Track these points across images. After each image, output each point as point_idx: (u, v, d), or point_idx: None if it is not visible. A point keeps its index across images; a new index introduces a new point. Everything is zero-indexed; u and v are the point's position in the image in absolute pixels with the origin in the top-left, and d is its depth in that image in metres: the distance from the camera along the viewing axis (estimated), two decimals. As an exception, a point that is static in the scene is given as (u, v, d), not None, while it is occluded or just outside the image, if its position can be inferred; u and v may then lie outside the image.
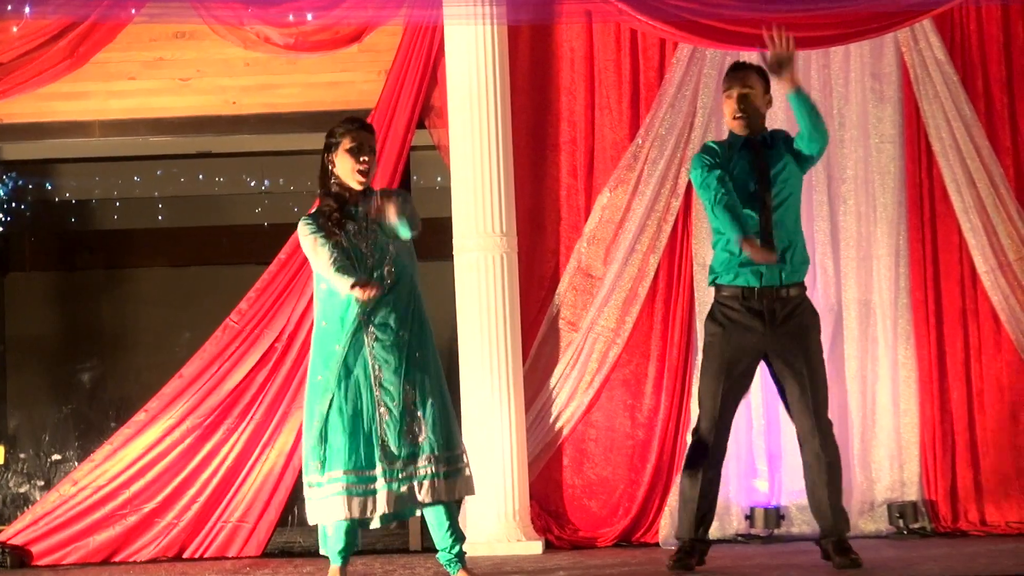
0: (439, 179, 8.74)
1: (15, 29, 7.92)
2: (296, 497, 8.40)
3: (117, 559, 7.80)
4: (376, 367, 6.19)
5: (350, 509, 6.09)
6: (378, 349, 6.19)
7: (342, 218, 6.25)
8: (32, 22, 7.88)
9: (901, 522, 7.71)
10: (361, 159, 6.26)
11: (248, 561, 7.68)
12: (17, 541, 7.80)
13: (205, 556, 7.81)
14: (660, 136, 7.88)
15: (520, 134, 7.96)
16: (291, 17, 7.87)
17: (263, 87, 8.17)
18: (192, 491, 7.83)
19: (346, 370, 6.18)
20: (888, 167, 7.93)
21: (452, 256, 7.79)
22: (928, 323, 7.85)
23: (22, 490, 9.48)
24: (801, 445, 6.65)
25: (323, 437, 6.15)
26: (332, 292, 6.20)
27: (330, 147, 6.32)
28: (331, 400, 6.15)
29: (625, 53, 8.01)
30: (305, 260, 7.84)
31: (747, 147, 6.66)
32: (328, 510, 6.13)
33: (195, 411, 7.84)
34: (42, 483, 9.45)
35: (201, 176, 10.02)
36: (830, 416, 6.63)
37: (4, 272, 9.90)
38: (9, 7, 7.83)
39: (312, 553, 8.03)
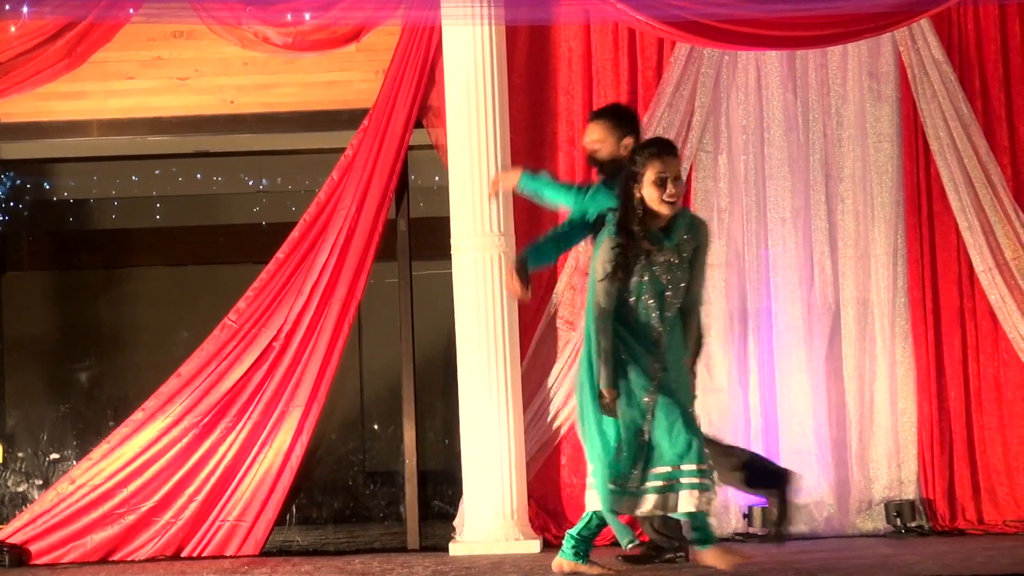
0: (437, 179, 8.74)
1: (13, 29, 7.92)
2: (294, 496, 8.42)
3: (115, 558, 7.80)
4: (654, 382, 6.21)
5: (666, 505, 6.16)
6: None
7: (651, 249, 6.17)
8: (30, 22, 7.88)
9: (899, 521, 7.71)
10: (668, 192, 6.13)
11: (246, 560, 7.68)
12: (15, 540, 7.80)
13: (203, 555, 7.80)
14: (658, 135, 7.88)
15: (518, 134, 7.95)
16: (289, 17, 7.88)
17: (261, 86, 8.17)
18: (190, 490, 7.82)
19: (647, 381, 6.19)
20: (886, 166, 7.93)
21: (450, 255, 7.79)
22: (926, 322, 7.85)
23: (20, 489, 9.49)
24: None
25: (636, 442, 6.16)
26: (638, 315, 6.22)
27: (635, 176, 6.15)
28: (645, 411, 6.16)
29: (623, 53, 8.00)
30: (302, 260, 7.88)
31: None
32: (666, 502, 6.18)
33: (193, 410, 7.84)
34: (40, 482, 9.46)
35: (199, 175, 10.02)
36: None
37: (2, 271, 9.90)
38: (7, 7, 7.84)
39: (310, 552, 8.04)
